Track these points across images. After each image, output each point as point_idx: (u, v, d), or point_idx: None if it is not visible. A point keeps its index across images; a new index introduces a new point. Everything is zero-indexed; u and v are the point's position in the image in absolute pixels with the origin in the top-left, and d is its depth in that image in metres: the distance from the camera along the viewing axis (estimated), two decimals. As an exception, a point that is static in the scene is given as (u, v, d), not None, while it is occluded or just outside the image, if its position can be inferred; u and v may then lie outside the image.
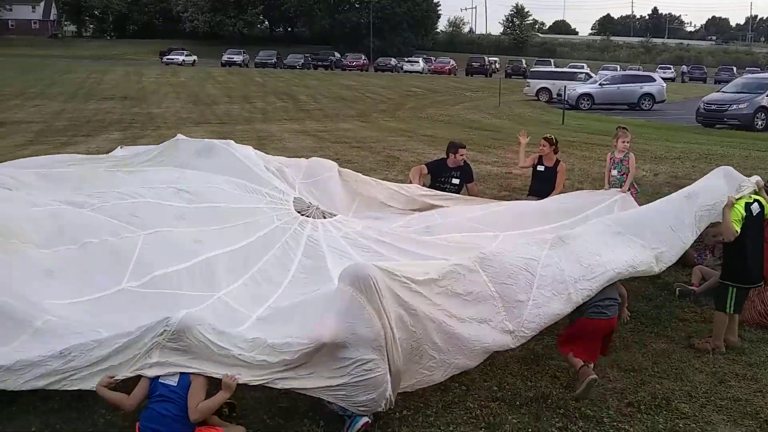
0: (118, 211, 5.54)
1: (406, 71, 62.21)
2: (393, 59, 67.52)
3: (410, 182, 8.16)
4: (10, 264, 4.60)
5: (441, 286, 4.34)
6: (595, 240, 5.00)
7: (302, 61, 63.71)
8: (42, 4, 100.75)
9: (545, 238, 5.10)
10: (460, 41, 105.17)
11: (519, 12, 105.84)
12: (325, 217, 6.19)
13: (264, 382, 3.79)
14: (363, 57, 67.69)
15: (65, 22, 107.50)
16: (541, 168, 8.05)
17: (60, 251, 4.99)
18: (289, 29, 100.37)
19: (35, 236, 5.02)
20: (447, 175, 8.23)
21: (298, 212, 6.16)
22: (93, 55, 69.85)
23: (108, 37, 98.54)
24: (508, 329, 4.42)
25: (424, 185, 8.07)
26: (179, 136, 7.97)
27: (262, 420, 4.19)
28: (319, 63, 65.17)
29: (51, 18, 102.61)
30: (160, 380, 3.73)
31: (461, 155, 8.20)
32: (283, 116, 25.19)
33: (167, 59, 61.78)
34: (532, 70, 46.57)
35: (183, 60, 61.11)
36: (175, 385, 3.72)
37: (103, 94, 31.95)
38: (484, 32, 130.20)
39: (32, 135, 18.33)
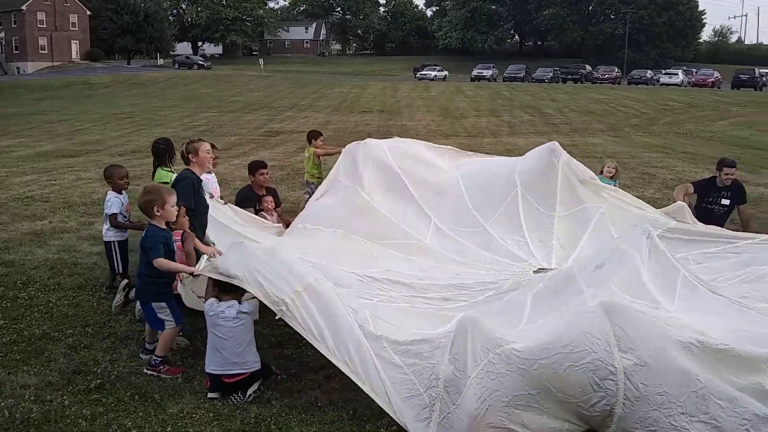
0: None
1: (662, 84, 58.50)
2: (649, 71, 63.98)
3: (674, 202, 7.77)
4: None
5: None
6: None
7: (551, 74, 62.83)
8: (314, 25, 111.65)
9: None
10: (726, 52, 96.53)
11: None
12: None
13: None
14: (616, 69, 65.04)
15: (332, 41, 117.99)
16: None
17: None
18: (539, 43, 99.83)
19: None
20: (716, 195, 7.74)
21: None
22: (354, 71, 75.71)
23: (368, 54, 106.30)
24: None
25: (689, 205, 7.64)
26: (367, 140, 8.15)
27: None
28: (568, 76, 63.83)
29: (320, 38, 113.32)
30: None
31: (726, 174, 7.69)
32: (529, 130, 25.13)
33: (420, 75, 64.72)
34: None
35: (435, 75, 63.60)
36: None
37: (363, 107, 34.48)
38: (755, 42, 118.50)
39: (303, 143, 20.26)
